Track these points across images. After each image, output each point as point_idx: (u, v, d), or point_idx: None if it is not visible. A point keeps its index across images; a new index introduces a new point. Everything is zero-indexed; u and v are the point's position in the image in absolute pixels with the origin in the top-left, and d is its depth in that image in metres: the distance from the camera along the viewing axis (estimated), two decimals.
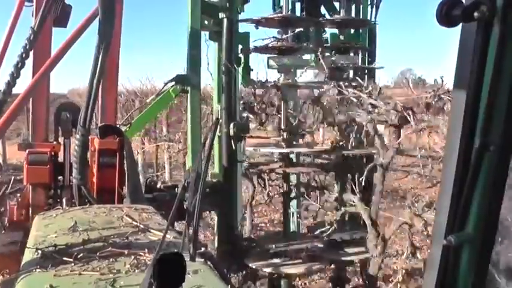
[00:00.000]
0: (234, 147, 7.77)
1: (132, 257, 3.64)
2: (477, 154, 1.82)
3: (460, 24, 1.79)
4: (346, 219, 8.90)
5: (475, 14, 1.70)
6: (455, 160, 1.86)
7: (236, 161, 8.11)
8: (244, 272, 7.90)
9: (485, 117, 1.79)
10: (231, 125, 7.59)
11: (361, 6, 9.38)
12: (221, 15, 8.01)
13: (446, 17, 1.73)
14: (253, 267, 7.70)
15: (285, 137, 8.46)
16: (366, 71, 9.39)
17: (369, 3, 9.36)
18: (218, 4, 8.16)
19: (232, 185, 8.14)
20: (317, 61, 8.99)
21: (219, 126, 7.54)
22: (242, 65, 8.31)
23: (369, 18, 9.40)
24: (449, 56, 1.87)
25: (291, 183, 9.14)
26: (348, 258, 8.27)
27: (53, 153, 7.13)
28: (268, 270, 7.76)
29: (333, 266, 8.97)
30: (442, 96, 6.61)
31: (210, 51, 8.85)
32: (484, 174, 1.84)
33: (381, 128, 7.54)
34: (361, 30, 9.52)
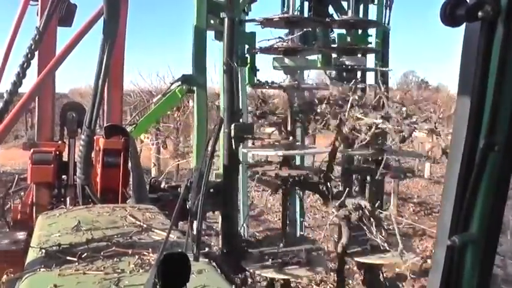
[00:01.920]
0: (235, 148, 7.74)
1: (136, 256, 3.64)
2: (482, 154, 1.81)
3: (464, 24, 1.78)
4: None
5: (479, 13, 1.69)
6: (459, 160, 1.86)
7: (238, 162, 8.10)
8: (243, 274, 7.87)
9: (490, 117, 1.79)
10: (232, 126, 7.57)
11: (377, 7, 9.32)
12: (222, 14, 8.00)
13: (450, 17, 1.73)
14: (251, 270, 7.66)
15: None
16: (378, 74, 9.30)
17: (384, 4, 9.30)
18: (223, 3, 8.15)
19: (233, 186, 8.13)
20: (323, 62, 8.97)
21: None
22: (248, 65, 8.28)
23: (383, 20, 9.34)
24: (452, 57, 1.86)
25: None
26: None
27: (57, 152, 7.15)
28: (268, 272, 7.71)
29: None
30: None
31: (215, 51, 8.89)
32: (489, 174, 1.83)
33: None
34: (368, 31, 9.46)
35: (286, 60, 8.13)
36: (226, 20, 7.73)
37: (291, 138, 8.25)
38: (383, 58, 9.44)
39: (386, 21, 9.34)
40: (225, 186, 7.91)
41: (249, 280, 7.76)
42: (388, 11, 9.31)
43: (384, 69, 9.34)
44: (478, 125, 1.82)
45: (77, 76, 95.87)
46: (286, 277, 7.70)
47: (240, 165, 8.49)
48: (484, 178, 1.84)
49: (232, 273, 7.43)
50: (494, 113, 1.78)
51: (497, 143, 1.80)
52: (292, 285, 8.76)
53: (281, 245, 7.95)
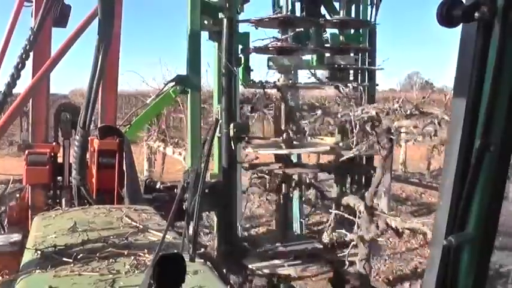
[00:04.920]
0: (233, 148, 7.75)
1: (132, 257, 3.64)
2: (477, 154, 1.82)
3: (461, 25, 1.79)
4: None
5: (476, 14, 1.70)
6: (455, 160, 1.86)
7: (236, 162, 8.10)
8: (244, 273, 7.88)
9: (485, 118, 1.79)
10: (231, 126, 7.57)
11: (361, 6, 9.37)
12: (221, 15, 7.99)
13: (446, 17, 1.73)
14: (252, 268, 7.67)
15: (284, 137, 8.44)
16: (366, 72, 9.37)
17: (368, 3, 9.34)
18: (217, 4, 8.14)
19: (232, 186, 8.13)
20: (317, 62, 9.00)
21: (218, 127, 7.52)
22: (242, 65, 8.28)
23: (368, 18, 9.38)
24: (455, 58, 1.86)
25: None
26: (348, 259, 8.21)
27: (52, 153, 7.13)
28: (266, 271, 7.73)
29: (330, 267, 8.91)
30: None
31: (210, 52, 8.87)
32: (485, 174, 1.84)
33: None
34: (361, 31, 9.50)
35: (281, 60, 8.15)
36: (225, 20, 7.73)
37: (284, 136, 8.29)
38: (370, 56, 9.48)
39: (373, 19, 9.36)
40: (224, 186, 7.91)
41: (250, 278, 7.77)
42: (374, 9, 9.34)
43: (375, 68, 9.39)
44: (474, 125, 1.82)
45: (77, 77, 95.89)
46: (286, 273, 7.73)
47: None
48: (480, 178, 1.84)
49: (230, 272, 7.46)
50: (490, 113, 1.78)
51: (493, 143, 1.80)
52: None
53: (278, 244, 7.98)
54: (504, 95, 1.76)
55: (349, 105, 8.26)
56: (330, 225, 7.99)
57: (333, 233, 8.14)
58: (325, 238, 8.14)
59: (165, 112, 18.85)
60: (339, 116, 7.89)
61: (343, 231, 7.94)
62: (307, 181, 9.76)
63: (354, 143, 7.90)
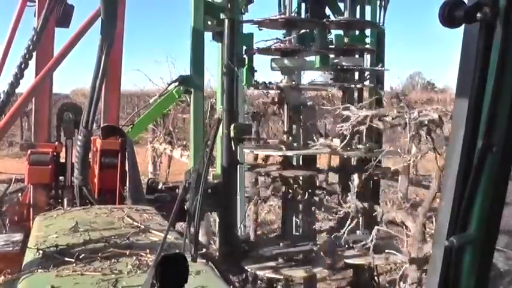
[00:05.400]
0: (234, 149, 7.74)
1: (134, 257, 3.64)
2: (480, 155, 1.81)
3: (463, 25, 1.78)
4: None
5: (478, 14, 1.69)
6: (457, 161, 1.86)
7: (236, 163, 8.09)
8: (244, 275, 7.87)
9: (488, 118, 1.78)
10: (232, 127, 7.57)
11: (370, 8, 9.30)
12: (222, 15, 7.99)
13: (448, 18, 1.72)
14: (252, 270, 7.65)
15: (285, 139, 8.42)
16: (374, 74, 9.31)
17: (377, 5, 9.28)
18: (221, 4, 8.14)
19: (232, 186, 8.13)
20: (321, 63, 8.97)
21: (220, 127, 7.51)
22: (246, 66, 8.27)
23: (377, 20, 9.32)
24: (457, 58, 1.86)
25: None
26: (352, 262, 8.18)
27: (54, 153, 7.13)
28: (267, 273, 7.71)
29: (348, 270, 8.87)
30: None
31: (213, 52, 8.88)
32: (487, 175, 1.83)
33: None
34: (366, 32, 9.45)
35: (285, 61, 8.14)
36: (226, 21, 7.73)
37: (284, 137, 8.28)
38: (378, 58, 9.43)
39: (381, 22, 9.32)
40: (224, 186, 7.91)
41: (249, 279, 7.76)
42: (383, 11, 9.29)
43: (381, 68, 9.34)
44: (476, 125, 1.81)
45: (78, 77, 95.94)
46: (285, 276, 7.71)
47: (239, 165, 8.47)
48: (482, 179, 1.84)
49: (231, 274, 7.45)
50: (493, 113, 1.78)
51: (495, 144, 1.80)
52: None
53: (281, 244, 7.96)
54: (506, 96, 1.76)
55: (399, 106, 7.99)
56: (372, 240, 7.41)
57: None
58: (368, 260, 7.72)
59: (172, 113, 18.43)
60: (389, 118, 7.49)
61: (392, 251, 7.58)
62: (318, 184, 9.65)
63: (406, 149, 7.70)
